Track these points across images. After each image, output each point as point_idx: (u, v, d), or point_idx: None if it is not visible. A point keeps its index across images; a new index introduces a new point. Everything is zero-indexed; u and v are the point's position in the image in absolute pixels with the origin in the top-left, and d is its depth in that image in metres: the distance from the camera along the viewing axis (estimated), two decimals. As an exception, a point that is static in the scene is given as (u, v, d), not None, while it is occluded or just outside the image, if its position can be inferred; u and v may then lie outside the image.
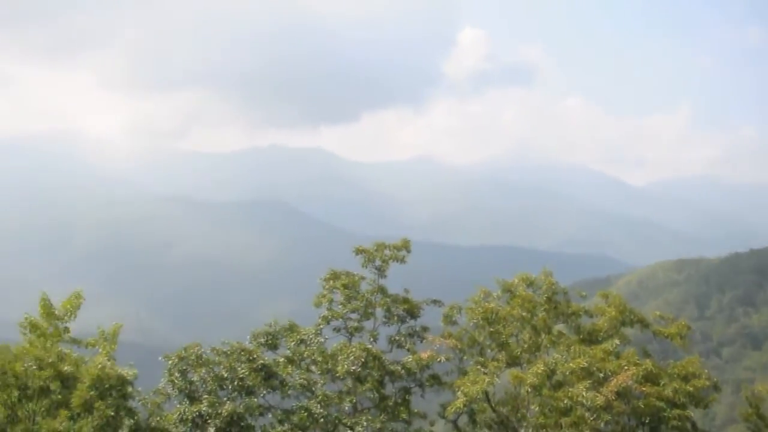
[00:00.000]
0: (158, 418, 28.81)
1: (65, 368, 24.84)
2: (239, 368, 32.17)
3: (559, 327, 34.51)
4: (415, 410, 34.49)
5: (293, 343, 35.01)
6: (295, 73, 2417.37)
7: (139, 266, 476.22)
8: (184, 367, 32.33)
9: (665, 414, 28.28)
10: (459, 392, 30.14)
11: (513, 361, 33.28)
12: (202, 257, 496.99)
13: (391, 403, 33.96)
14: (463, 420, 34.37)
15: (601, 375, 28.74)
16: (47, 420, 23.62)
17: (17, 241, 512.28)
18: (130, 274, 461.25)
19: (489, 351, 34.86)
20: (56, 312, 27.55)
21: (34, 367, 24.00)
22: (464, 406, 30.52)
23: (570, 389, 27.86)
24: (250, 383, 31.94)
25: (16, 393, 23.73)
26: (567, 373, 29.01)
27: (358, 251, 36.87)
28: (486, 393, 31.61)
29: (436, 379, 34.85)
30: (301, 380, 33.23)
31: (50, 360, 24.61)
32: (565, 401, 27.63)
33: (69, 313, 27.72)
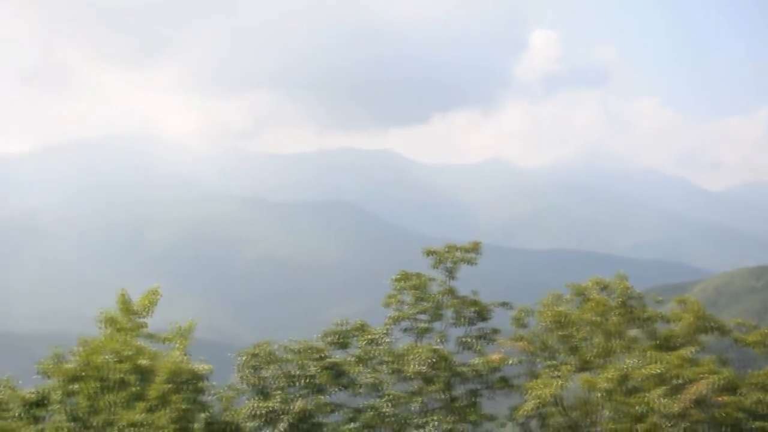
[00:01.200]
0: (231, 413, 29.33)
1: (143, 362, 25.49)
2: (310, 366, 32.53)
3: (633, 332, 33.82)
4: (484, 412, 34.26)
5: (363, 343, 35.18)
6: (365, 75, 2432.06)
7: (212, 265, 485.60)
8: (256, 364, 32.90)
9: (746, 425, 27.44)
10: (529, 395, 29.85)
11: (584, 366, 32.76)
12: (273, 257, 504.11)
13: (459, 405, 33.81)
14: (533, 423, 34.01)
15: (677, 382, 28.03)
16: (125, 411, 24.26)
17: (96, 239, 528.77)
18: (203, 272, 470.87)
19: (559, 355, 34.41)
20: (134, 308, 28.28)
21: (113, 360, 24.69)
22: (534, 409, 30.22)
23: (645, 395, 27.27)
24: (320, 381, 32.27)
25: (96, 384, 24.45)
26: (641, 379, 28.39)
27: (428, 253, 36.84)
28: (557, 397, 31.23)
29: (505, 382, 34.55)
30: (370, 379, 33.37)
31: (128, 353, 25.27)
32: (639, 407, 27.06)
33: (146, 309, 28.41)
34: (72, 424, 24.98)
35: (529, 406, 29.70)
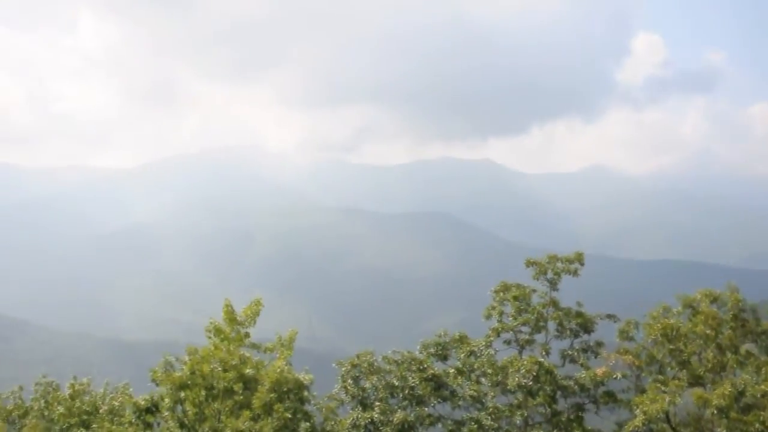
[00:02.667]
0: (332, 423, 29.57)
1: (247, 371, 26.01)
2: (410, 377, 32.50)
3: (747, 346, 32.31)
4: (589, 427, 33.39)
5: (463, 355, 34.92)
6: (465, 86, 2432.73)
7: (313, 275, 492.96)
8: (357, 375, 33.12)
9: None
10: (637, 411, 28.91)
11: (695, 381, 31.51)
12: (373, 267, 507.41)
13: (563, 419, 33.10)
14: (641, 440, 32.88)
15: (797, 400, 26.58)
16: (231, 419, 24.78)
17: (201, 250, 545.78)
18: (304, 282, 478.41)
19: (669, 369, 33.20)
20: (238, 318, 28.89)
21: (219, 368, 25.28)
22: (643, 425, 29.21)
23: (761, 413, 25.96)
24: (421, 393, 32.18)
25: (203, 393, 25.11)
26: (758, 396, 27.04)
27: (529, 263, 36.30)
28: (666, 413, 30.09)
29: (611, 397, 33.60)
30: (472, 392, 33.06)
31: (234, 363, 25.82)
32: (757, 425, 25.77)
33: (249, 319, 28.95)
34: (181, 431, 25.72)
35: (637, 421, 28.74)
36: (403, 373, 32.78)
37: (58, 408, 27.82)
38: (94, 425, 26.53)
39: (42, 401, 28.32)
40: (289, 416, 25.08)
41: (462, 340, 35.72)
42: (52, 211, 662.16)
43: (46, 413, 27.74)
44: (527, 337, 35.26)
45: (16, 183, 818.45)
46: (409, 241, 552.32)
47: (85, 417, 27.72)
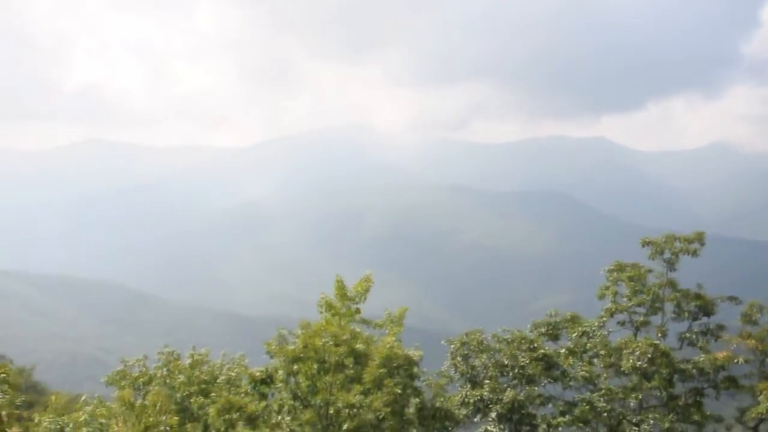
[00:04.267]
0: (442, 399, 29.65)
1: (358, 346, 26.34)
2: (520, 356, 32.17)
3: None
4: (709, 413, 32.19)
5: (575, 335, 34.30)
6: (577, 63, 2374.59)
7: (422, 253, 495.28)
8: (466, 352, 33.08)
9: None
10: (761, 397, 27.69)
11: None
12: (482, 246, 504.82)
13: (681, 404, 32.05)
14: (765, 427, 31.49)
15: None
16: (342, 393, 25.21)
17: (313, 227, 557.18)
18: (413, 260, 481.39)
19: (797, 355, 31.60)
20: (349, 293, 29.28)
21: (331, 343, 25.72)
22: (767, 412, 27.94)
23: None
24: (531, 372, 31.81)
25: (315, 366, 25.62)
26: None
27: (645, 243, 35.21)
28: (794, 401, 28.70)
29: (732, 382, 32.28)
30: (584, 372, 32.43)
31: (345, 338, 26.21)
32: None
33: (360, 295, 29.30)
34: (294, 402, 26.41)
35: (761, 408, 27.55)
36: (513, 352, 32.47)
37: (179, 377, 29.05)
38: (212, 394, 27.58)
39: (164, 369, 29.59)
40: (399, 391, 25.27)
41: (574, 320, 35.11)
42: (171, 190, 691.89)
43: (168, 381, 28.99)
44: (642, 318, 34.30)
45: (139, 162, 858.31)
46: (518, 219, 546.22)
47: (203, 386, 28.85)
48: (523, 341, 32.99)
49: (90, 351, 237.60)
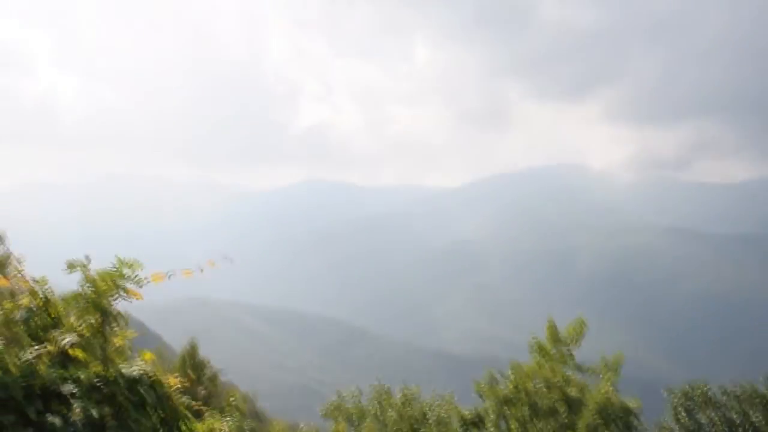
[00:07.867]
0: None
1: (571, 392, 25.40)
2: (753, 414, 29.50)
3: None
4: None
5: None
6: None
7: (639, 297, 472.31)
8: (690, 406, 30.87)
9: None
10: None
11: None
12: (710, 292, 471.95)
13: None
14: None
15: None
16: (554, 440, 24.42)
17: (523, 267, 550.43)
18: (629, 304, 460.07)
19: None
20: (561, 337, 28.37)
21: (543, 387, 25.00)
22: None
23: None
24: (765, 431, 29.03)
25: (527, 410, 24.99)
26: None
27: None
28: None
29: None
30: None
31: (557, 382, 25.37)
32: None
33: (573, 339, 28.27)
34: (506, 446, 25.89)
35: None
36: (744, 408, 29.83)
37: (391, 413, 29.48)
38: (422, 432, 27.72)
39: (377, 405, 30.13)
40: (615, 443, 24.05)
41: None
42: (387, 227, 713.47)
43: (380, 417, 29.49)
44: None
45: (358, 200, 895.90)
46: (751, 265, 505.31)
47: (414, 424, 29.05)
48: (755, 396, 30.25)
49: (305, 381, 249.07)
